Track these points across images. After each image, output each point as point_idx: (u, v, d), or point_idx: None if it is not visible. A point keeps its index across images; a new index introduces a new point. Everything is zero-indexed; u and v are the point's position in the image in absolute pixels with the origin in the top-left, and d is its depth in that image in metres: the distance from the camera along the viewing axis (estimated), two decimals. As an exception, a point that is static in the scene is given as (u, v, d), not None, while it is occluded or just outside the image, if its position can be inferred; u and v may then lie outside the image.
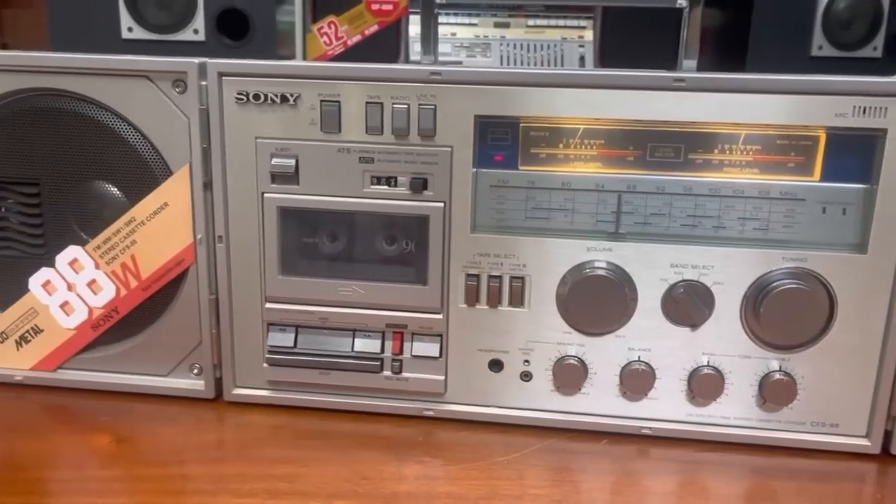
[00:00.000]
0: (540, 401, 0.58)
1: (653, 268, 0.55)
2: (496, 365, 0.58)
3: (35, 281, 0.60)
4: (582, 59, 1.35)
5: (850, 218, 0.53)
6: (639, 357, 0.56)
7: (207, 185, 0.57)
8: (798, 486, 0.52)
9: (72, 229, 0.60)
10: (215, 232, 0.58)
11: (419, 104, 0.54)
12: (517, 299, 0.56)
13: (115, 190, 0.59)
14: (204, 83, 0.55)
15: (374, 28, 1.18)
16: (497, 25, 1.36)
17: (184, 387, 0.61)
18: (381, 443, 0.56)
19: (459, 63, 1.30)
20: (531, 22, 1.37)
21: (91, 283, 0.60)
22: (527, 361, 0.57)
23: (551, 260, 0.55)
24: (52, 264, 0.60)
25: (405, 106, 0.54)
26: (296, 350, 0.59)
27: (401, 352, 0.58)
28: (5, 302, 0.61)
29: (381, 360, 0.58)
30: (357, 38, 1.18)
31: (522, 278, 0.56)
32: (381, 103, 0.54)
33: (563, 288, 0.55)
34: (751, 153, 0.53)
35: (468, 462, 0.54)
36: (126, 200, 0.58)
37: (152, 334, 0.61)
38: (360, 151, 0.55)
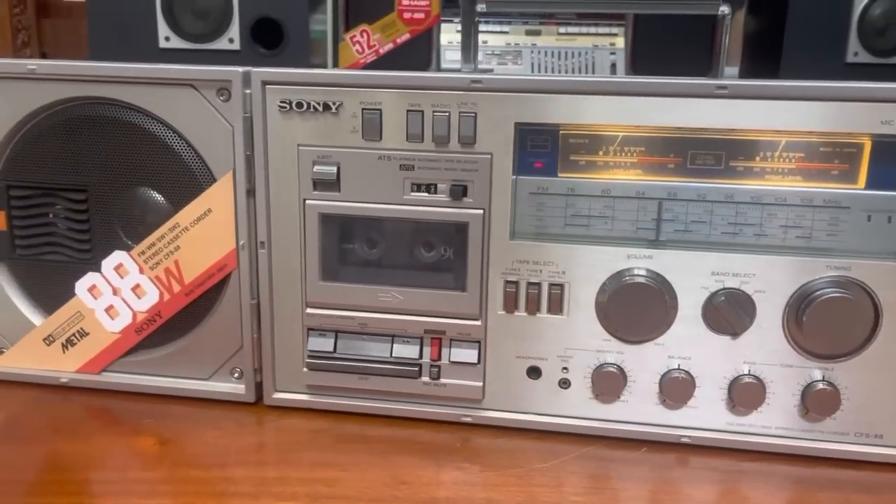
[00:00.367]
0: (578, 408, 0.58)
1: (693, 276, 0.54)
2: (534, 372, 0.58)
3: (81, 285, 0.62)
4: (613, 66, 1.35)
5: (895, 226, 0.52)
6: (678, 365, 0.56)
7: (250, 192, 0.58)
8: (842, 497, 0.52)
9: (117, 235, 0.61)
10: (257, 238, 0.58)
11: (460, 112, 0.54)
12: (556, 306, 0.56)
13: (158, 196, 0.60)
14: (248, 91, 0.56)
15: (406, 36, 1.19)
16: (528, 33, 1.36)
17: (225, 390, 0.62)
18: (419, 448, 0.57)
19: (490, 71, 1.30)
20: (562, 29, 1.37)
21: (135, 288, 0.61)
22: (565, 369, 0.57)
23: (591, 267, 0.55)
24: (98, 269, 0.61)
25: (446, 114, 0.54)
26: (335, 355, 0.59)
27: (439, 358, 0.58)
28: (52, 305, 0.63)
29: (420, 365, 0.59)
30: (389, 46, 1.19)
31: (561, 285, 0.56)
32: (422, 111, 0.55)
33: (603, 295, 0.55)
34: (793, 160, 0.52)
35: (506, 468, 0.54)
36: (169, 207, 0.60)
37: (194, 338, 0.62)
38: (400, 159, 0.56)
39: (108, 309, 0.62)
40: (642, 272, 0.55)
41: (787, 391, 0.55)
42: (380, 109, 0.55)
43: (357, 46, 1.21)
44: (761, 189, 0.53)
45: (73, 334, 0.63)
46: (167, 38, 1.12)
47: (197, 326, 0.61)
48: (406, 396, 0.60)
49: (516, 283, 0.56)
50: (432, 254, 0.58)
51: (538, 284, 0.56)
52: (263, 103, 0.56)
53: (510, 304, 0.57)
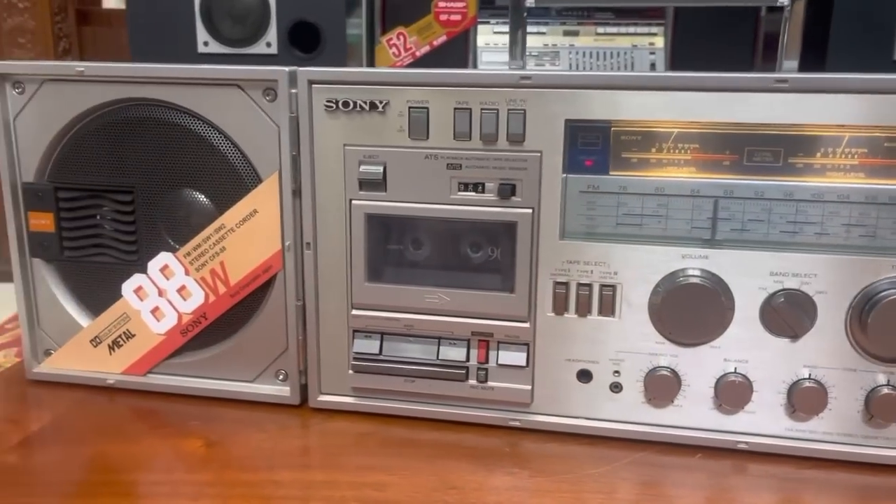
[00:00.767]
0: (630, 413, 0.56)
1: (751, 276, 0.53)
2: (585, 375, 0.57)
3: (128, 287, 0.62)
4: (653, 66, 1.33)
5: (965, 224, 0.50)
6: (735, 369, 0.54)
7: (296, 193, 0.57)
8: (911, 507, 0.50)
9: (162, 236, 0.61)
10: (303, 239, 0.58)
11: (508, 109, 0.53)
12: (607, 308, 0.55)
13: (203, 198, 0.60)
14: (294, 91, 0.56)
15: (443, 38, 1.19)
16: (566, 34, 1.35)
17: (269, 392, 0.62)
18: (467, 452, 0.55)
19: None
20: (601, 30, 1.35)
21: (181, 290, 0.61)
22: (617, 372, 0.56)
23: (643, 268, 0.54)
24: (144, 270, 0.61)
25: (494, 111, 0.53)
26: (381, 357, 0.59)
27: (486, 360, 0.57)
28: (99, 307, 0.63)
29: (467, 368, 0.58)
30: (426, 48, 1.19)
31: (613, 286, 0.55)
32: (470, 109, 0.54)
33: (656, 297, 0.54)
34: (856, 156, 0.51)
35: (557, 474, 0.53)
36: (213, 208, 0.59)
37: (239, 340, 0.61)
38: (447, 158, 0.55)
39: (154, 310, 0.62)
40: (697, 272, 0.53)
41: (850, 396, 0.53)
42: (427, 108, 0.54)
43: (393, 49, 1.21)
44: (822, 186, 0.51)
45: (120, 336, 0.63)
46: (206, 43, 1.13)
47: (242, 328, 0.61)
48: (453, 400, 0.59)
49: (566, 284, 0.55)
50: (479, 254, 0.57)
51: (589, 285, 0.55)
52: (309, 103, 0.56)
53: (560, 306, 0.56)
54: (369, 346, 0.59)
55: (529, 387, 0.57)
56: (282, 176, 0.57)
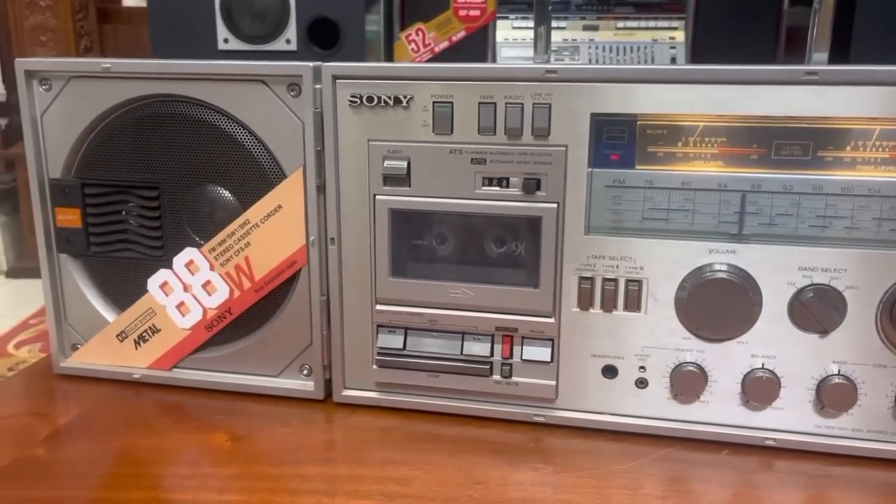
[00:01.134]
0: (656, 409, 0.56)
1: (779, 271, 0.52)
2: (610, 371, 0.56)
3: (153, 282, 0.62)
4: (673, 60, 1.32)
5: None
6: (762, 364, 0.54)
7: (321, 188, 0.57)
8: (943, 505, 0.49)
9: (187, 232, 0.61)
10: (327, 234, 0.58)
11: (533, 103, 0.53)
12: (633, 303, 0.55)
13: (227, 193, 0.60)
14: (318, 86, 0.56)
15: (462, 34, 1.18)
16: (586, 28, 1.34)
17: (294, 387, 0.62)
18: (491, 448, 0.55)
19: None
20: (620, 24, 1.34)
21: (206, 285, 0.61)
22: (642, 368, 0.56)
23: (670, 262, 0.53)
24: (169, 266, 0.62)
25: (519, 105, 0.53)
26: (405, 352, 0.59)
27: (511, 356, 0.57)
28: (125, 302, 0.63)
29: (491, 363, 0.58)
30: (444, 44, 1.19)
31: (639, 281, 0.54)
32: (495, 103, 0.54)
33: (683, 292, 0.53)
34: (888, 149, 0.50)
35: (582, 470, 0.53)
36: (238, 203, 0.60)
37: (264, 335, 0.62)
38: (472, 152, 0.55)
39: (180, 305, 0.62)
40: (724, 267, 0.53)
41: (881, 393, 0.52)
42: (451, 102, 0.54)
43: (412, 45, 1.21)
44: (853, 180, 0.50)
45: (146, 331, 0.63)
46: (226, 40, 1.13)
47: (267, 323, 0.61)
48: (477, 395, 0.59)
49: (591, 279, 0.55)
50: (504, 249, 0.56)
51: (614, 280, 0.55)
52: (334, 98, 0.56)
53: (585, 301, 0.55)
54: (393, 340, 0.59)
55: (554, 382, 0.57)
56: (306, 171, 0.57)
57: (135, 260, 0.63)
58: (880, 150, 0.50)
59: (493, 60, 1.32)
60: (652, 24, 1.34)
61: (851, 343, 0.52)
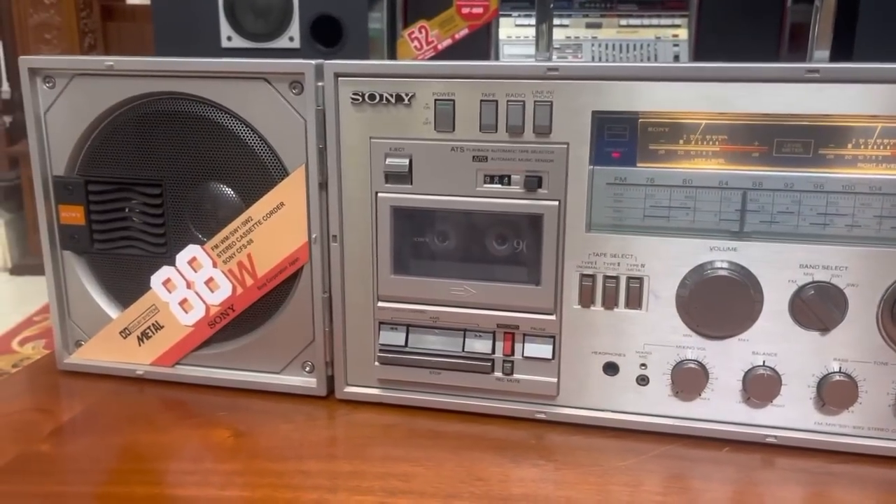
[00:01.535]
0: (657, 406, 0.56)
1: (780, 268, 0.52)
2: (611, 368, 0.56)
3: (157, 279, 0.62)
4: (676, 57, 1.32)
5: None
6: (763, 362, 0.54)
7: (323, 185, 0.58)
8: (944, 502, 0.49)
9: (190, 229, 0.62)
10: (329, 231, 0.58)
11: (535, 101, 0.53)
12: (634, 301, 0.55)
13: (230, 191, 0.60)
14: (320, 84, 0.56)
15: (465, 32, 1.18)
16: (589, 26, 1.34)
17: (296, 384, 0.62)
18: (493, 444, 0.56)
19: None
20: (623, 22, 1.34)
21: (209, 282, 0.61)
22: (643, 365, 0.56)
23: (671, 260, 0.54)
24: (172, 263, 0.62)
25: (520, 103, 0.53)
26: (407, 349, 0.59)
27: (512, 353, 0.57)
28: (129, 299, 0.64)
29: (493, 360, 0.58)
30: (447, 41, 1.19)
31: (640, 279, 0.54)
32: (496, 101, 0.54)
33: (684, 289, 0.53)
34: (889, 147, 0.50)
35: (583, 466, 0.53)
36: (241, 201, 0.60)
37: (266, 332, 0.62)
38: (473, 150, 0.55)
39: (182, 302, 0.62)
40: (725, 265, 0.53)
41: (882, 390, 0.52)
42: (453, 100, 0.54)
43: (415, 42, 1.21)
44: (854, 178, 0.50)
45: (149, 327, 0.64)
46: (229, 38, 1.14)
47: (269, 320, 0.62)
48: (478, 392, 0.59)
49: (593, 276, 0.55)
50: (505, 247, 0.57)
51: (616, 278, 0.55)
52: (336, 96, 0.56)
53: (586, 299, 0.55)
54: (395, 337, 0.59)
55: (555, 379, 0.57)
56: (308, 169, 0.57)
57: (138, 257, 0.63)
58: (881, 147, 0.50)
59: (496, 58, 1.32)
60: (655, 21, 1.34)
61: (852, 340, 0.52)
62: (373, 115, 0.56)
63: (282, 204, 0.58)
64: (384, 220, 0.57)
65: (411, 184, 0.56)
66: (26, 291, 2.60)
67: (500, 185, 0.55)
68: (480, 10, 1.18)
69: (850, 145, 0.50)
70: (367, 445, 0.55)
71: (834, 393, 0.53)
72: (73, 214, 0.63)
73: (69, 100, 0.61)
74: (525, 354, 0.57)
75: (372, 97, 0.56)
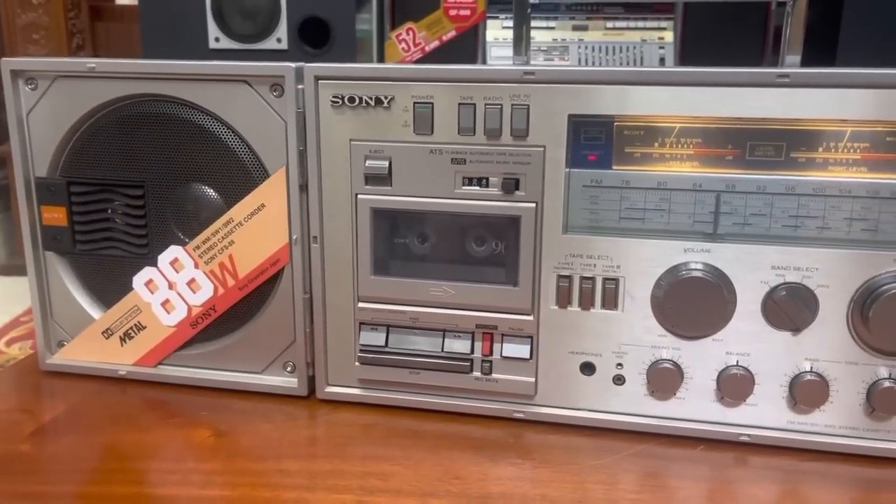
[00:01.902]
0: (633, 405, 0.57)
1: (753, 270, 0.53)
2: (588, 368, 0.57)
3: (139, 280, 0.63)
4: (662, 60, 1.33)
5: (968, 218, 0.50)
6: (737, 362, 0.55)
7: (303, 187, 0.58)
8: (911, 499, 0.50)
9: (172, 230, 0.62)
10: (310, 233, 0.59)
11: (512, 104, 0.54)
12: (610, 301, 0.55)
13: (212, 192, 0.61)
14: (301, 87, 0.57)
15: (452, 34, 1.19)
16: (575, 28, 1.35)
17: (278, 384, 0.62)
18: (471, 443, 0.56)
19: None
20: (610, 24, 1.35)
21: (190, 282, 0.62)
22: (619, 365, 0.57)
23: (646, 261, 0.54)
24: (154, 264, 0.62)
25: (498, 106, 0.54)
26: (387, 349, 0.59)
27: (491, 353, 0.58)
28: (111, 299, 0.64)
29: (471, 360, 0.58)
30: (435, 43, 1.19)
31: (616, 280, 0.55)
32: (474, 104, 0.54)
33: (659, 290, 0.54)
34: (859, 151, 0.51)
35: (560, 465, 0.54)
36: (222, 202, 0.60)
37: (248, 332, 0.62)
38: (452, 152, 0.56)
39: (164, 303, 0.63)
40: (700, 266, 0.54)
41: (852, 389, 0.53)
42: (431, 103, 0.55)
43: (403, 44, 1.22)
44: (825, 181, 0.51)
45: (131, 328, 0.64)
46: (217, 39, 1.14)
47: (250, 320, 0.62)
48: (457, 391, 0.59)
49: (569, 277, 0.56)
50: (484, 248, 0.57)
51: (592, 279, 0.55)
52: (316, 99, 0.57)
53: (563, 299, 0.56)
54: (375, 338, 0.60)
55: (533, 379, 0.58)
56: (289, 170, 0.58)
57: (120, 258, 0.63)
58: (851, 151, 0.51)
59: (484, 60, 1.33)
60: (641, 24, 1.35)
61: (823, 341, 0.53)
62: (353, 118, 0.56)
63: (263, 205, 0.59)
64: (364, 222, 0.58)
65: (391, 185, 0.57)
66: (14, 292, 2.59)
67: (478, 188, 0.56)
68: (468, 13, 1.19)
69: (820, 149, 0.51)
70: (346, 445, 0.56)
71: (806, 392, 0.53)
72: (56, 215, 0.63)
73: (51, 101, 0.61)
74: (503, 354, 0.58)
75: (352, 100, 0.56)
